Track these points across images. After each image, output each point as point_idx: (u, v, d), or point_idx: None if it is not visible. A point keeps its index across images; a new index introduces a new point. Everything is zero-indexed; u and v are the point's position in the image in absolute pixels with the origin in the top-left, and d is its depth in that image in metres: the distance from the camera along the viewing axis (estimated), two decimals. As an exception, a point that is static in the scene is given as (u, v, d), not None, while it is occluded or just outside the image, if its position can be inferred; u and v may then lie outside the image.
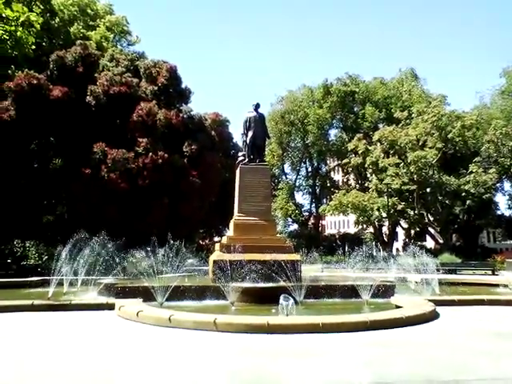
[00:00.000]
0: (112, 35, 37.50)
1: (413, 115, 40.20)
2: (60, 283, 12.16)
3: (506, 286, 14.19)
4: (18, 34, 10.28)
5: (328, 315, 7.85)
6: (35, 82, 23.67)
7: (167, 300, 9.82)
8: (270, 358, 5.46)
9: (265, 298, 10.02)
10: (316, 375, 4.68)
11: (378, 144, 41.07)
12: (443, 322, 8.22)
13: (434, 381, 4.54)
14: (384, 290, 11.21)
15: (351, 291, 10.94)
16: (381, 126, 46.34)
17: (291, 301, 8.18)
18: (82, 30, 34.03)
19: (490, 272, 25.02)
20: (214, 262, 12.23)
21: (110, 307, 9.36)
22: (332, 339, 6.56)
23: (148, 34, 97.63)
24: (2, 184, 22.63)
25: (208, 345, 6.24)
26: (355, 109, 49.79)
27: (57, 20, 32.33)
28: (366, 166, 41.65)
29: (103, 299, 10.38)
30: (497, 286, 14.78)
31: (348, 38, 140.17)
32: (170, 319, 7.47)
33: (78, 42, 28.11)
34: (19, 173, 23.16)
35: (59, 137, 24.91)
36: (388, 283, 12.14)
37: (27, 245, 22.15)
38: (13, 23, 10.21)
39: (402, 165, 39.31)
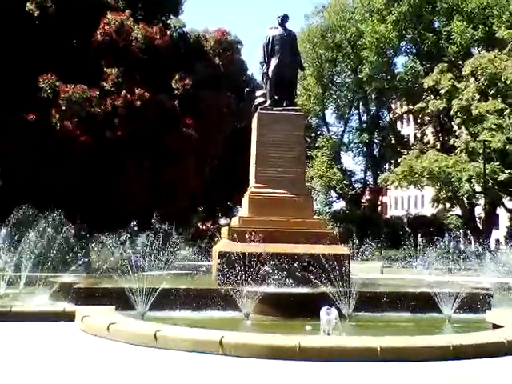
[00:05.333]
0: None
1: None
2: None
3: None
4: None
5: (389, 336, 7.94)
6: None
7: (152, 309, 10.03)
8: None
9: (295, 310, 10.18)
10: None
11: (472, 79, 40.27)
12: None
13: None
14: (476, 302, 11.26)
15: (426, 302, 11.06)
16: (476, 51, 45.32)
17: (335, 314, 8.28)
18: None
19: None
20: (221, 254, 12.40)
21: (69, 317, 9.60)
22: (394, 372, 6.65)
23: None
24: None
25: (211, 376, 6.37)
26: (436, 24, 48.63)
27: None
28: (452, 113, 41.05)
29: (59, 305, 10.66)
30: None
31: None
32: (155, 336, 7.64)
33: None
34: None
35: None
36: (482, 291, 12.17)
37: None
38: None
39: (507, 112, 38.57)
